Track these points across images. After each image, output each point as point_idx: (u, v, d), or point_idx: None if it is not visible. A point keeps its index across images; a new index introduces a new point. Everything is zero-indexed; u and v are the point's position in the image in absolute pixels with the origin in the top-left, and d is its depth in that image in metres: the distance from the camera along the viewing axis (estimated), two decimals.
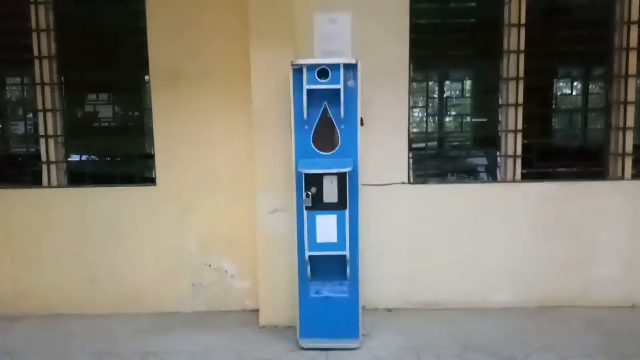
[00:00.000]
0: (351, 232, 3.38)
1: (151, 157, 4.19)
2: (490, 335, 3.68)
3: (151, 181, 4.22)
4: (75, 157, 4.40)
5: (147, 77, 4.12)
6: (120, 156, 4.44)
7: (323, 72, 3.25)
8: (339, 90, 3.26)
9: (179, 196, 4.20)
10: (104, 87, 4.37)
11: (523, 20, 4.03)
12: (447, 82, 4.42)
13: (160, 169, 4.18)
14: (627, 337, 3.60)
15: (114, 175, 4.30)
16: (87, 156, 4.40)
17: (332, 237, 3.34)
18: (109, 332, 3.91)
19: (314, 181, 3.30)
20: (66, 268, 4.26)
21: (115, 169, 4.34)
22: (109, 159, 4.45)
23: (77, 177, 4.33)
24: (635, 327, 3.78)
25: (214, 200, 4.19)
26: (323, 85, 3.26)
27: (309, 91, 3.28)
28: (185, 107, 4.12)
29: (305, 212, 3.34)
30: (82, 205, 4.22)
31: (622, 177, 4.15)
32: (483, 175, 4.35)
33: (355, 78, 3.33)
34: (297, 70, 3.30)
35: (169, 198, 4.20)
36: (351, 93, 3.34)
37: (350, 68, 3.29)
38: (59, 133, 4.26)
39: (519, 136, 4.15)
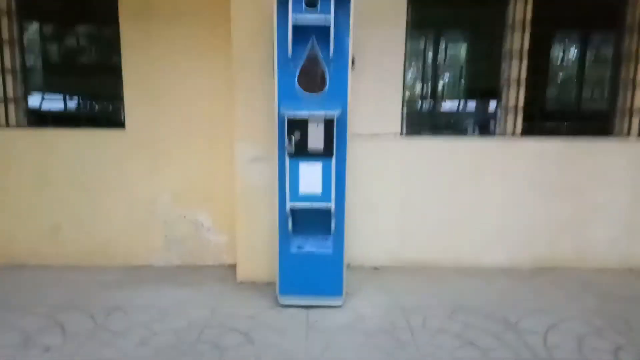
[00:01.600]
0: (337, 182, 3.09)
1: (120, 98, 3.82)
2: (482, 297, 3.48)
3: (120, 124, 3.86)
4: (36, 96, 3.98)
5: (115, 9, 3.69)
6: (86, 95, 4.03)
7: (311, 0, 2.87)
8: (328, 23, 2.89)
9: (150, 141, 3.86)
10: (68, 17, 3.91)
11: None
12: (448, 29, 4.04)
13: (130, 112, 3.82)
14: (623, 301, 3.42)
15: (79, 116, 3.92)
16: (49, 95, 3.98)
17: (317, 188, 3.05)
18: (74, 285, 3.63)
19: (298, 126, 2.97)
20: (28, 216, 3.95)
21: (81, 110, 3.95)
22: (73, 98, 4.03)
23: (38, 117, 3.94)
24: (632, 290, 3.60)
25: (189, 146, 3.87)
26: (311, 14, 2.89)
27: (295, 24, 2.91)
28: (159, 43, 3.72)
29: (287, 159, 3.02)
30: (44, 149, 3.87)
31: (628, 135, 3.89)
32: (481, 129, 4.05)
33: (347, 10, 2.95)
34: (283, 0, 2.92)
35: (140, 143, 3.86)
36: (342, 29, 2.97)
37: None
38: (16, 68, 3.84)
39: (522, 88, 3.84)
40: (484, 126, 4.04)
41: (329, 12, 2.87)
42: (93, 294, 3.49)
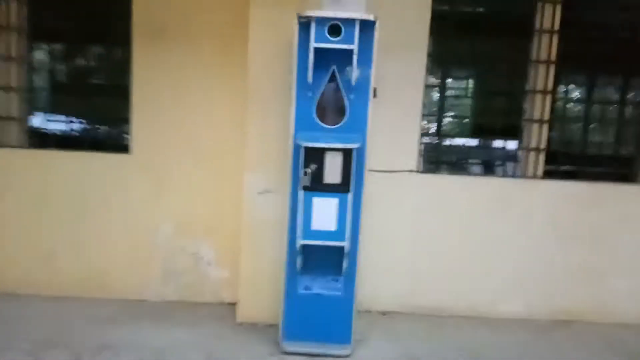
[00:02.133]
0: (353, 220, 2.89)
1: (126, 121, 3.65)
2: (501, 351, 3.22)
3: (124, 149, 3.69)
4: (37, 116, 3.81)
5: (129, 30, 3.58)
6: (91, 117, 3.86)
7: (335, 28, 2.74)
8: (351, 51, 2.75)
9: (155, 168, 3.67)
10: (80, 37, 3.79)
11: None
12: (468, 63, 3.91)
13: (136, 136, 3.65)
14: None
15: (82, 139, 3.75)
16: (53, 115, 3.81)
17: (331, 225, 2.84)
18: (63, 318, 3.38)
19: (314, 157, 2.79)
20: (22, 241, 3.73)
21: (85, 132, 3.77)
22: (79, 120, 3.86)
23: (39, 138, 3.76)
24: None
25: (195, 175, 3.67)
26: (334, 44, 2.75)
27: (317, 51, 2.77)
28: (170, 68, 3.59)
29: (301, 193, 2.83)
30: (43, 171, 3.67)
31: None
32: (500, 168, 3.87)
33: (371, 39, 2.82)
34: (304, 25, 2.79)
35: (144, 169, 3.67)
36: (365, 58, 2.83)
37: (367, 27, 2.79)
38: (22, 87, 3.70)
39: (545, 127, 3.69)
40: (504, 166, 3.86)
41: (352, 41, 2.73)
42: (82, 329, 3.23)
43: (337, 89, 2.90)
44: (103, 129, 3.84)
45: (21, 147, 3.71)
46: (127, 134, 3.66)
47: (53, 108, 3.84)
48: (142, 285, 3.77)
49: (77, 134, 3.78)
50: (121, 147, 3.72)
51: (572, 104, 4.06)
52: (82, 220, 3.69)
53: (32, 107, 3.78)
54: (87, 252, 3.72)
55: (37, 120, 3.80)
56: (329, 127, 2.93)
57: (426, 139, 3.78)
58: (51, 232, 3.70)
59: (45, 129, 3.75)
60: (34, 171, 3.66)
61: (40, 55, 3.84)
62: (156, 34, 3.56)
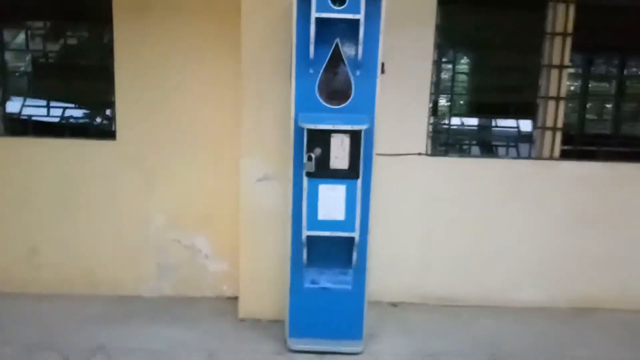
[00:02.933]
0: (363, 209, 2.66)
1: (111, 105, 3.37)
2: (520, 341, 3.05)
3: (110, 135, 3.41)
4: (14, 101, 3.52)
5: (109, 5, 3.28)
6: (73, 102, 3.56)
7: None
8: (357, 22, 2.49)
9: (144, 155, 3.40)
10: (56, 15, 3.48)
11: None
12: (480, 35, 3.63)
13: (122, 121, 3.37)
14: None
15: (63, 125, 3.46)
16: (31, 100, 3.52)
17: (339, 214, 2.60)
18: (51, 318, 3.17)
19: (318, 141, 2.54)
20: (2, 237, 3.47)
21: (67, 118, 3.49)
22: (58, 105, 3.56)
23: (17, 125, 3.48)
24: None
25: (188, 161, 3.41)
26: (338, 13, 2.49)
27: (319, 22, 2.50)
28: (157, 45, 3.30)
29: (305, 180, 2.58)
30: (23, 161, 3.40)
31: None
32: (514, 149, 3.64)
33: (378, 9, 2.55)
34: None
35: (132, 157, 3.40)
36: (371, 30, 2.56)
37: None
38: None
39: (561, 105, 3.45)
40: (518, 147, 3.63)
41: (358, 10, 2.46)
42: (72, 330, 3.02)
43: (342, 64, 2.64)
44: (86, 113, 3.56)
45: None
46: (112, 118, 3.39)
47: (32, 92, 3.54)
48: (136, 281, 3.53)
49: (58, 119, 3.49)
50: (106, 133, 3.45)
51: (590, 79, 3.80)
52: (67, 212, 3.44)
53: (8, 91, 3.48)
54: (73, 247, 3.47)
55: (15, 106, 3.50)
56: (334, 107, 2.68)
57: (435, 120, 3.53)
58: (33, 226, 3.46)
59: (24, 115, 3.46)
60: (12, 161, 3.39)
61: (15, 35, 3.52)
62: (140, 6, 3.26)
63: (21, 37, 3.49)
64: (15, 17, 3.48)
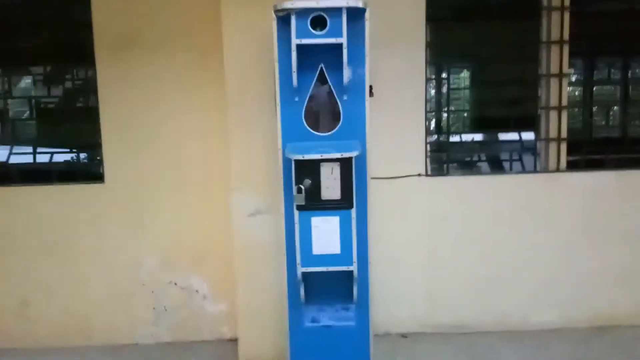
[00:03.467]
0: (359, 239, 2.49)
1: (97, 146, 3.28)
2: None
3: (98, 178, 3.31)
4: (1, 149, 3.44)
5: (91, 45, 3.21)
6: (58, 146, 3.46)
7: (319, 20, 2.36)
8: (340, 46, 2.37)
9: (133, 196, 3.29)
10: (37, 58, 3.41)
11: None
12: (472, 48, 3.51)
13: (110, 162, 3.27)
14: None
15: (50, 170, 3.36)
16: (15, 147, 3.42)
17: (334, 247, 2.44)
18: None
19: (308, 171, 2.40)
20: None
21: (53, 163, 3.39)
22: (44, 151, 3.46)
23: (3, 173, 3.38)
24: None
25: (178, 200, 3.29)
26: (318, 39, 2.37)
27: (300, 48, 2.39)
28: (141, 82, 3.22)
29: (296, 213, 2.44)
30: (10, 210, 3.31)
31: None
32: (518, 164, 3.47)
33: (362, 30, 2.44)
34: (283, 19, 2.41)
35: (121, 199, 3.29)
36: (356, 52, 2.45)
37: (356, 16, 2.41)
38: None
39: (564, 115, 3.30)
40: (522, 161, 3.47)
41: (340, 34, 2.35)
42: None
43: (328, 90, 2.52)
44: (73, 157, 3.46)
45: None
46: (100, 160, 3.28)
47: (15, 139, 3.45)
48: (131, 327, 3.38)
49: (44, 165, 3.38)
50: (94, 175, 3.34)
51: (592, 85, 3.66)
52: (56, 260, 3.32)
53: None
54: (65, 296, 3.34)
55: (1, 155, 3.42)
56: (322, 134, 2.55)
57: (432, 138, 3.39)
58: (23, 277, 3.33)
59: (8, 163, 3.37)
60: (0, 210, 3.29)
61: None
62: (121, 44, 3.19)
63: (3, 84, 3.41)
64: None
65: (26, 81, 3.57)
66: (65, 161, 3.47)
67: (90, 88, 3.27)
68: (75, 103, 3.47)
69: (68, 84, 3.48)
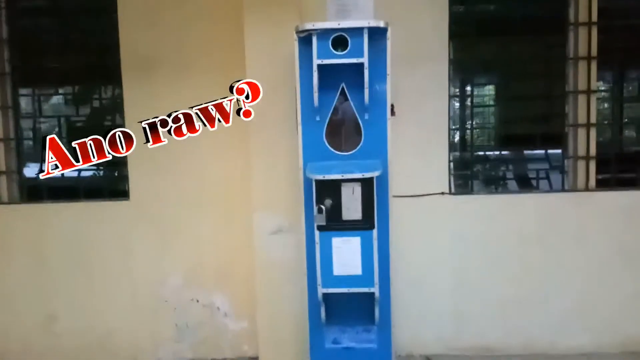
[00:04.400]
0: (381, 260, 2.47)
1: (123, 165, 3.34)
2: None
3: (124, 195, 3.37)
4: (32, 167, 3.53)
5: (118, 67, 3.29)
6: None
7: (340, 40, 2.38)
8: (361, 65, 2.38)
9: (158, 214, 3.33)
10: (67, 79, 3.51)
11: None
12: (497, 64, 3.45)
13: (135, 180, 3.33)
14: None
15: (78, 188, 3.43)
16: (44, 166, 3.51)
17: (355, 268, 2.42)
18: None
19: (328, 191, 2.39)
20: (20, 305, 3.42)
21: (81, 181, 3.46)
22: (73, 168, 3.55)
23: (33, 191, 3.47)
24: None
25: (202, 219, 3.32)
26: (340, 59, 2.38)
27: (321, 68, 2.40)
28: (166, 100, 3.22)
29: (317, 233, 2.43)
30: (40, 226, 3.38)
31: None
32: (545, 182, 3.39)
33: (384, 49, 2.44)
34: (305, 40, 2.43)
35: (146, 216, 3.34)
36: (378, 71, 2.45)
37: (377, 35, 2.41)
38: (10, 136, 3.43)
39: (593, 132, 3.21)
40: (550, 179, 3.38)
41: (362, 54, 2.35)
42: None
43: (349, 109, 2.52)
44: (100, 174, 3.52)
45: (13, 202, 3.43)
46: (125, 178, 3.34)
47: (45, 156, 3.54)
48: (154, 344, 3.40)
49: (72, 182, 3.45)
50: (120, 192, 3.40)
51: (620, 102, 3.57)
52: (83, 277, 3.37)
53: (23, 158, 3.50)
54: (91, 312, 3.39)
55: (30, 172, 3.51)
56: (344, 153, 2.55)
57: (456, 156, 3.34)
58: (51, 293, 3.39)
59: (40, 181, 3.46)
60: (29, 227, 3.38)
61: (27, 101, 3.57)
62: (147, 66, 3.26)
63: (34, 102, 3.52)
64: (29, 83, 3.53)
65: (56, 100, 3.66)
66: (93, 178, 3.54)
67: (116, 107, 3.35)
68: (102, 121, 3.55)
69: (96, 103, 3.56)
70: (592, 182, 3.24)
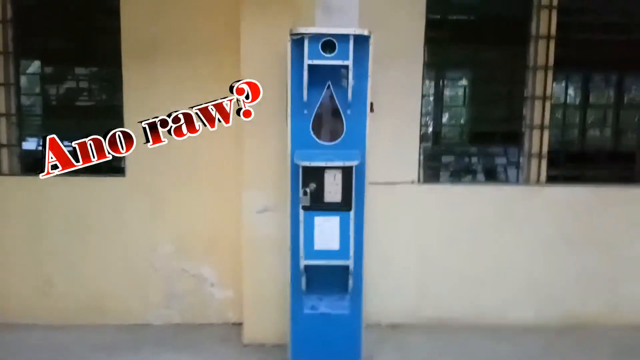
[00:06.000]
0: (356, 238, 2.82)
1: None
2: None
3: (120, 171, 3.63)
4: (31, 141, 3.75)
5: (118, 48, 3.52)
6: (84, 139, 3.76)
7: (329, 44, 2.69)
8: (346, 67, 2.71)
9: (152, 189, 3.61)
10: (68, 58, 3.73)
11: (555, 1, 3.53)
12: (466, 70, 3.86)
13: (131, 157, 3.54)
14: None
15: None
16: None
17: (334, 244, 2.78)
18: (63, 348, 3.31)
19: (313, 176, 2.73)
20: (18, 269, 3.66)
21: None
22: (71, 142, 3.76)
23: (32, 164, 3.70)
24: None
25: (193, 195, 3.61)
26: (328, 60, 2.70)
27: (311, 68, 2.71)
28: (163, 86, 3.52)
29: (301, 212, 2.77)
30: (38, 198, 3.61)
31: None
32: (503, 176, 3.81)
33: (366, 54, 2.77)
34: (297, 42, 2.73)
35: (141, 191, 3.61)
36: (360, 73, 2.78)
37: (361, 42, 2.73)
38: (11, 112, 3.64)
39: (546, 133, 3.63)
40: (506, 173, 3.81)
41: (347, 57, 2.68)
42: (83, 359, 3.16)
43: (334, 105, 2.85)
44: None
45: (13, 174, 3.65)
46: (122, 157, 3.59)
47: (45, 131, 3.75)
48: (144, 309, 3.70)
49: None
50: (116, 169, 3.65)
51: (571, 107, 4.01)
52: (79, 245, 3.63)
53: (23, 132, 3.71)
54: (86, 277, 3.65)
55: (30, 145, 3.73)
56: (327, 143, 2.87)
57: (426, 148, 3.72)
58: (48, 259, 3.64)
59: (38, 154, 3.68)
60: (28, 198, 3.61)
61: (28, 77, 3.77)
62: (147, 50, 3.49)
63: (37, 79, 3.72)
64: (30, 60, 3.73)
65: (59, 78, 3.86)
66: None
67: (117, 89, 3.57)
68: (102, 102, 3.78)
69: (97, 84, 3.78)
70: (543, 178, 3.67)
